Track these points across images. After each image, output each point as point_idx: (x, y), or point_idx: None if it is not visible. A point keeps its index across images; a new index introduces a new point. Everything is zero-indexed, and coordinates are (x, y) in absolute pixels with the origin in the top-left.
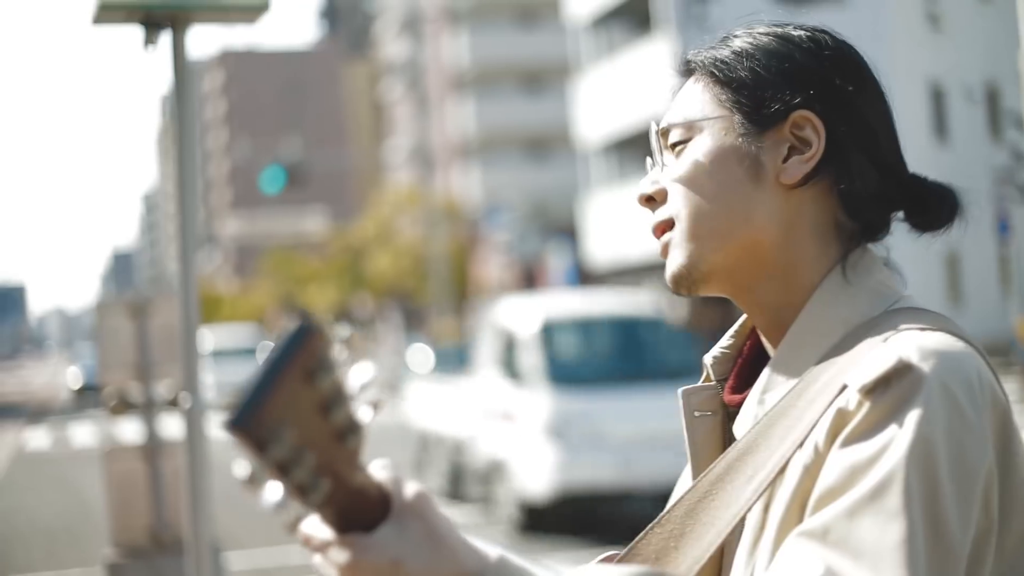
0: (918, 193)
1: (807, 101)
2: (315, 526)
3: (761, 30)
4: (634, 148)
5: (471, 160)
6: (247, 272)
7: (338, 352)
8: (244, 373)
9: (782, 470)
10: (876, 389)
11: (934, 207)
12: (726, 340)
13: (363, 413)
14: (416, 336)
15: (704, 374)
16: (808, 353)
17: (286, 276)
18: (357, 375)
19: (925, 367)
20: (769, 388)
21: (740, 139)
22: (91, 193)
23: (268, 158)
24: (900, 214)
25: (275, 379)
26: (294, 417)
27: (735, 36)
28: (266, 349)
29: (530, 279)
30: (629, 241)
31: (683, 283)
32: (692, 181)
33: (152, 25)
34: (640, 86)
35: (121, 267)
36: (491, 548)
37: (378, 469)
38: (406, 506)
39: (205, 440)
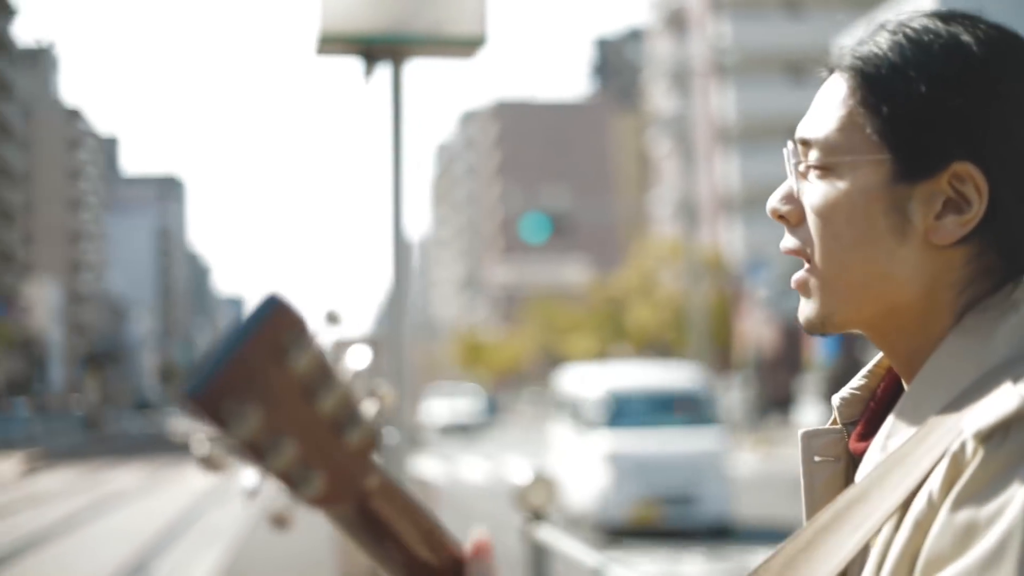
0: None
1: (971, 150)
2: None
3: (931, 31)
4: None
5: (735, 215)
6: (513, 320)
7: (320, 333)
8: None
9: (896, 523)
10: (993, 436)
11: None
12: (857, 380)
13: (366, 406)
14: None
15: (831, 417)
16: (937, 396)
17: (548, 324)
18: (352, 362)
19: None
20: (892, 434)
21: (889, 184)
22: (367, 238)
23: (536, 207)
24: None
25: (233, 353)
26: (262, 397)
27: (900, 41)
28: None
29: (791, 336)
30: None
31: (816, 329)
32: (829, 223)
33: (372, 57)
34: None
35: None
36: None
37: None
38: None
39: (410, 478)
